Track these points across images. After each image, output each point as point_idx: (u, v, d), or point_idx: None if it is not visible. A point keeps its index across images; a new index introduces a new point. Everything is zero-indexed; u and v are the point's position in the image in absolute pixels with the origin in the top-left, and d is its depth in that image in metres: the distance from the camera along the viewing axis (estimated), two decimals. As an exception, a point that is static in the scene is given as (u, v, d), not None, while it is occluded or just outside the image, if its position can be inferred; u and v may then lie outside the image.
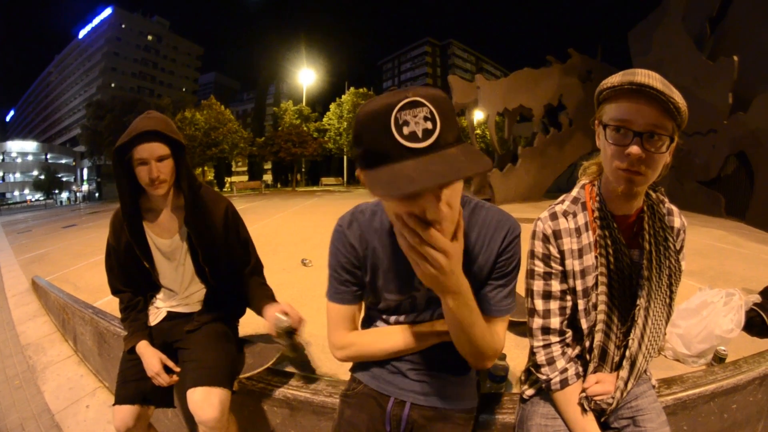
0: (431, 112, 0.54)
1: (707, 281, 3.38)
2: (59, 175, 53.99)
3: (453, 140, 0.56)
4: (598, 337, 0.86)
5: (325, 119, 33.84)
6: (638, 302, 0.85)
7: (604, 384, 0.86)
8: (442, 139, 0.54)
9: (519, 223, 0.85)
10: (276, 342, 1.26)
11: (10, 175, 55.36)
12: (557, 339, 0.89)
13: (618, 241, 0.85)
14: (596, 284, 0.86)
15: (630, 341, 0.86)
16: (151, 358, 1.25)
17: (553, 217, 0.90)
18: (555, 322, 0.89)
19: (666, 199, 0.89)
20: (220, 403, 1.13)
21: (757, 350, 1.41)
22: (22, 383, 2.29)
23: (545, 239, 0.89)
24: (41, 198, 50.41)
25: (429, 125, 0.54)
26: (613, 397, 0.84)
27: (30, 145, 56.85)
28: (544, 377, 0.89)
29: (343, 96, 33.53)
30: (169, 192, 1.28)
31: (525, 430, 0.92)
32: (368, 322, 0.98)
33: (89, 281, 4.43)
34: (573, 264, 0.87)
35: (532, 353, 0.92)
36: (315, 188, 30.82)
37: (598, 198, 0.88)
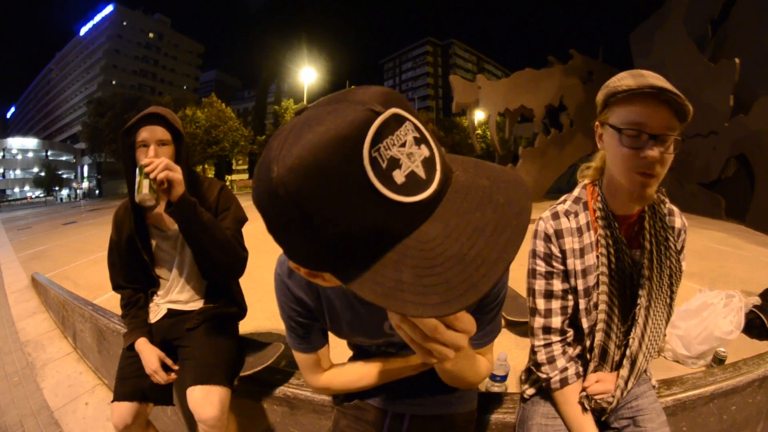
0: (417, 128, 0.32)
1: (707, 283, 3.38)
2: (59, 172, 54.05)
3: (446, 183, 0.33)
4: (599, 336, 0.86)
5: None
6: (639, 301, 0.85)
7: (604, 383, 0.87)
8: (446, 167, 0.33)
9: (515, 256, 0.82)
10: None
11: (11, 172, 55.37)
12: (558, 338, 0.90)
13: (619, 241, 0.85)
14: (597, 283, 0.86)
15: (630, 340, 0.86)
16: (150, 355, 1.25)
17: (555, 216, 0.90)
18: (556, 321, 0.89)
19: (667, 200, 0.90)
20: (220, 401, 1.13)
21: (756, 352, 1.41)
22: (21, 380, 2.29)
23: (547, 238, 0.89)
24: (41, 195, 50.46)
25: (426, 152, 0.31)
26: (613, 396, 0.84)
27: (30, 142, 56.81)
28: (544, 376, 0.89)
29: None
30: None
31: (525, 429, 0.92)
32: (351, 345, 0.94)
33: (89, 278, 4.44)
34: (574, 263, 0.87)
35: (533, 352, 0.93)
36: (315, 187, 30.75)
37: (599, 198, 0.88)
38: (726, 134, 7.99)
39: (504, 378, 1.61)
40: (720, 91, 7.98)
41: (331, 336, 0.83)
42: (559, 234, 0.88)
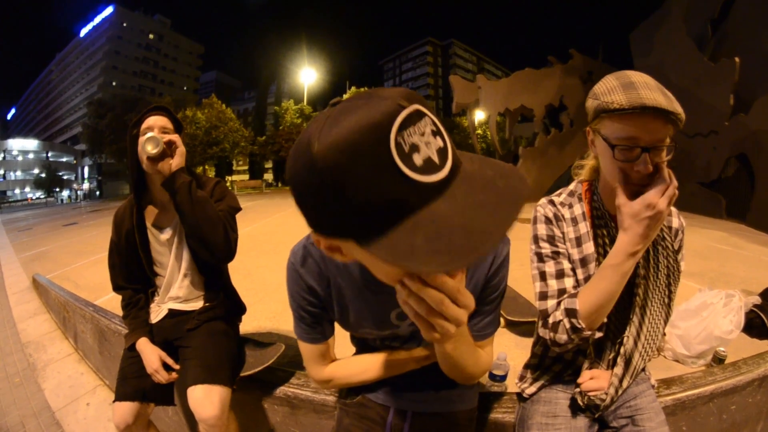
0: (434, 123, 0.37)
1: (707, 282, 3.38)
2: (60, 174, 54.09)
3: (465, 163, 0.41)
4: (595, 333, 0.86)
5: (325, 119, 33.82)
6: (635, 300, 0.86)
7: (598, 380, 0.87)
8: (456, 157, 0.39)
9: (516, 223, 0.84)
10: None
11: (11, 173, 55.41)
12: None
13: (615, 240, 0.85)
14: None
15: (625, 339, 0.86)
16: (151, 355, 1.25)
17: (552, 203, 0.92)
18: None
19: None
20: (221, 401, 1.14)
21: (756, 351, 1.41)
22: (22, 381, 2.29)
23: (548, 221, 0.90)
24: (42, 196, 50.46)
25: (440, 143, 0.37)
26: (606, 394, 0.84)
27: (31, 143, 56.88)
28: (572, 322, 0.81)
29: (344, 95, 33.41)
30: None
31: (525, 428, 0.93)
32: (354, 340, 0.95)
33: (90, 279, 4.44)
34: (572, 252, 0.88)
35: (545, 320, 0.86)
36: (315, 188, 30.77)
37: (595, 198, 0.89)
38: (726, 133, 7.99)
39: (503, 378, 1.61)
40: (720, 90, 7.98)
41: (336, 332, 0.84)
42: (557, 218, 0.90)
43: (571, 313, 0.80)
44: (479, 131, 27.50)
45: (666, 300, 0.87)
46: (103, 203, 26.56)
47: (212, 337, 1.32)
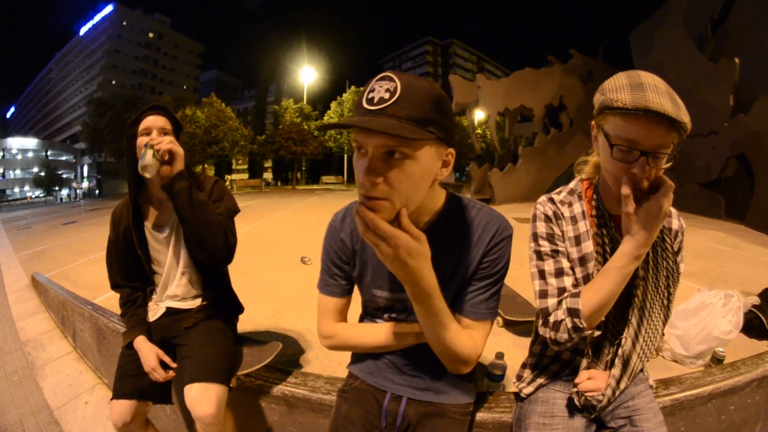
0: (395, 88, 0.61)
1: (706, 283, 3.38)
2: (59, 172, 53.99)
3: (404, 117, 0.61)
4: (594, 333, 0.86)
5: (326, 118, 33.75)
6: (633, 301, 0.85)
7: (596, 381, 0.87)
8: (390, 110, 0.61)
9: (516, 223, 0.86)
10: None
11: (11, 172, 55.31)
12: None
13: (615, 240, 0.84)
14: (594, 276, 0.85)
15: (623, 340, 0.86)
16: (148, 353, 1.25)
17: (551, 201, 0.92)
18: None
19: None
20: (217, 399, 1.13)
21: (755, 352, 1.42)
22: (21, 379, 2.29)
23: (547, 219, 0.89)
24: (41, 195, 50.40)
25: (387, 96, 0.61)
26: (603, 395, 0.84)
27: (30, 142, 56.76)
28: (573, 321, 0.81)
29: (344, 95, 33.51)
30: None
31: (523, 428, 0.92)
32: (363, 318, 1.00)
33: (89, 278, 4.44)
34: (571, 251, 0.88)
35: (545, 318, 0.85)
36: (315, 186, 30.84)
37: (595, 196, 0.88)
38: (726, 134, 7.99)
39: (501, 377, 1.61)
40: (720, 90, 7.98)
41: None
42: (557, 216, 0.89)
43: (573, 312, 0.80)
44: (479, 131, 27.47)
45: (665, 302, 0.87)
46: (103, 202, 26.54)
47: (210, 335, 1.32)
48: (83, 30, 60.21)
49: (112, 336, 1.90)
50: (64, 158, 57.47)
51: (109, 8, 57.77)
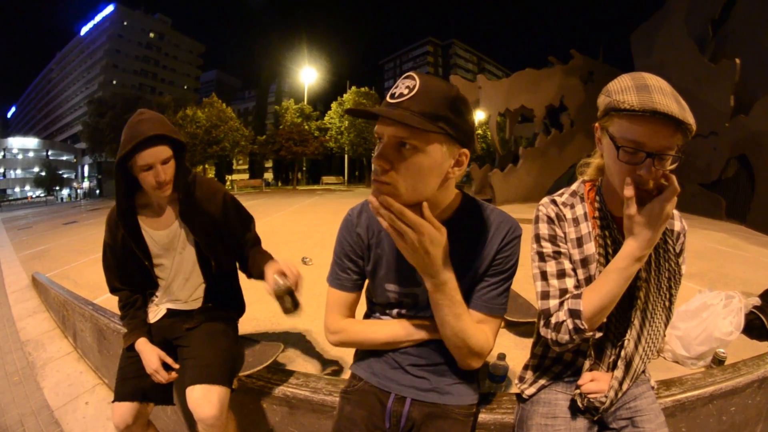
0: (415, 86, 0.67)
1: (707, 284, 3.38)
2: (60, 172, 53.97)
3: (417, 111, 0.66)
4: (596, 334, 0.86)
5: (326, 118, 33.78)
6: (636, 303, 0.85)
7: (598, 382, 0.87)
8: (406, 104, 0.67)
9: (520, 224, 0.86)
10: (283, 308, 1.22)
11: (11, 172, 55.30)
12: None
13: (618, 242, 0.84)
14: (596, 278, 0.85)
15: (626, 342, 0.86)
16: (150, 355, 1.25)
17: (554, 203, 0.92)
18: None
19: None
20: (219, 401, 1.13)
21: (756, 353, 1.41)
22: (21, 379, 2.29)
23: (550, 221, 0.90)
24: (42, 195, 50.39)
25: (406, 91, 0.68)
26: (606, 396, 0.84)
27: (31, 142, 56.73)
28: (575, 323, 0.80)
29: (344, 95, 33.45)
30: None
31: (525, 429, 0.92)
32: (370, 316, 1.00)
33: (89, 278, 4.44)
34: (573, 252, 0.88)
35: (547, 319, 0.85)
36: (316, 187, 30.84)
37: (598, 198, 0.88)
38: (726, 134, 7.98)
39: (503, 378, 1.61)
40: (720, 91, 7.98)
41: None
42: (559, 218, 0.90)
43: (575, 314, 0.80)
44: (479, 131, 27.49)
45: (667, 303, 0.87)
46: (103, 202, 26.56)
47: (211, 336, 1.31)
48: (84, 30, 60.23)
49: (113, 336, 1.90)
50: (64, 158, 57.45)
51: (110, 8, 57.79)
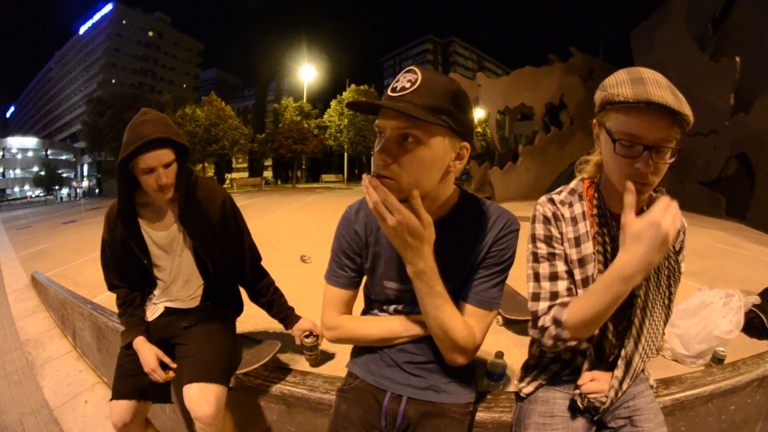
0: (416, 80, 0.67)
1: (707, 282, 3.37)
2: (59, 171, 53.90)
3: (419, 103, 0.66)
4: (595, 333, 0.85)
5: (325, 116, 33.78)
6: (635, 302, 0.85)
7: (598, 382, 0.86)
8: (408, 97, 0.67)
9: (519, 221, 0.86)
10: (303, 351, 1.68)
11: (11, 171, 55.24)
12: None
13: (616, 239, 0.84)
14: (594, 276, 0.85)
15: (626, 341, 0.86)
16: (148, 353, 1.25)
17: (551, 201, 0.90)
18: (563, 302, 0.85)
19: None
20: (216, 399, 1.13)
21: (755, 351, 1.41)
22: (21, 378, 2.29)
23: (546, 221, 0.88)
24: (41, 194, 50.36)
25: (408, 85, 0.68)
26: (606, 396, 0.84)
27: (30, 141, 56.65)
28: (558, 330, 0.81)
29: (344, 93, 33.42)
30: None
31: (523, 428, 0.92)
32: (367, 312, 1.00)
33: (89, 277, 4.44)
34: (570, 252, 0.87)
35: (534, 321, 0.86)
36: (315, 185, 30.83)
37: (596, 195, 0.87)
38: (726, 133, 7.97)
39: (501, 376, 1.61)
40: (720, 89, 7.96)
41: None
42: (556, 217, 0.88)
43: (557, 322, 0.80)
44: (479, 129, 27.47)
45: (666, 301, 0.86)
46: (103, 201, 26.55)
47: (209, 335, 1.31)
48: (83, 29, 60.09)
49: (112, 335, 1.89)
50: (64, 157, 57.39)
51: (108, 7, 57.65)
